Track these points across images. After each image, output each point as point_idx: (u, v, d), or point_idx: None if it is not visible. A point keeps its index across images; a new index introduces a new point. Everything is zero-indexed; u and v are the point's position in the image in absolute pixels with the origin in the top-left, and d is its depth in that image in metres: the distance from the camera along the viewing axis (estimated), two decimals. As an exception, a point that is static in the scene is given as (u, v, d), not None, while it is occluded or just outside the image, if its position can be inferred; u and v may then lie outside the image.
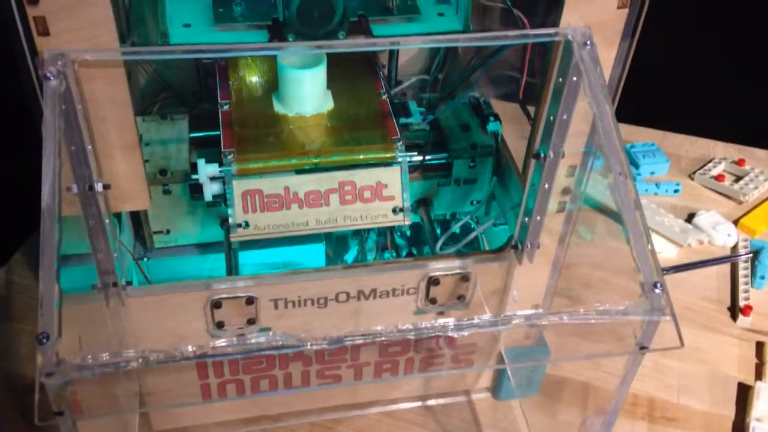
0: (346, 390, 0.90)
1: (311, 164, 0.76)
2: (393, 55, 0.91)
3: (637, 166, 1.27)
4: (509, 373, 0.90)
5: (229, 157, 0.75)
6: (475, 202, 0.88)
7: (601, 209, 1.15)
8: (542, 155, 0.69)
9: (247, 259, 0.82)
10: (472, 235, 0.85)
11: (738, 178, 1.28)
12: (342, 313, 0.77)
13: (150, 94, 0.90)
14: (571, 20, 0.63)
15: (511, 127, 0.86)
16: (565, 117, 0.66)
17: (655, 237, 1.16)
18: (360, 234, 0.88)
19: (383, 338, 0.58)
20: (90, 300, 0.69)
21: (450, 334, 0.59)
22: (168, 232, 0.82)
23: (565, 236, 0.78)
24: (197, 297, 0.72)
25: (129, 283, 0.72)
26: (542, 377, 0.92)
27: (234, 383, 0.83)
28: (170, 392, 0.82)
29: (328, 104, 0.82)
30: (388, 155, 0.77)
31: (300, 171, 0.76)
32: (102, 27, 0.58)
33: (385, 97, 0.83)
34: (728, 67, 1.50)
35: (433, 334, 0.60)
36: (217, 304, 0.73)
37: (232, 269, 0.79)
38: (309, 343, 0.56)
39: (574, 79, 0.63)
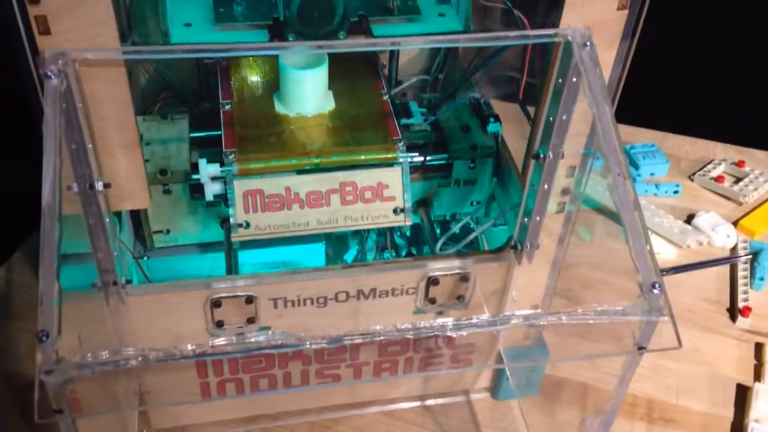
0: (345, 389, 0.90)
1: (312, 164, 0.76)
2: (393, 55, 0.91)
3: (637, 167, 1.27)
4: (508, 373, 0.90)
5: (231, 157, 0.75)
6: (474, 203, 0.89)
7: (601, 210, 1.15)
8: (542, 156, 0.69)
9: (246, 258, 0.83)
10: (472, 235, 0.85)
11: (738, 180, 1.28)
12: (341, 312, 0.77)
13: (151, 93, 0.90)
14: (571, 21, 0.63)
15: (511, 127, 0.86)
16: (564, 118, 0.66)
17: (654, 238, 1.16)
18: (360, 234, 0.88)
19: (382, 338, 0.58)
20: (90, 298, 0.69)
21: (449, 333, 0.59)
22: (168, 231, 0.82)
23: (565, 237, 0.78)
24: (197, 296, 0.72)
25: (129, 281, 0.72)
26: (541, 377, 0.92)
27: (233, 382, 0.83)
28: (170, 391, 0.82)
29: (330, 104, 0.82)
30: (390, 156, 0.77)
31: (301, 171, 0.76)
32: (103, 26, 0.58)
33: (386, 97, 0.84)
34: (728, 69, 1.50)
35: (432, 334, 0.60)
36: (216, 303, 0.73)
37: (231, 268, 0.79)
38: (308, 342, 0.56)
39: (574, 79, 0.63)
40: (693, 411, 0.94)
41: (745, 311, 1.05)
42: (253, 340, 0.57)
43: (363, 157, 0.77)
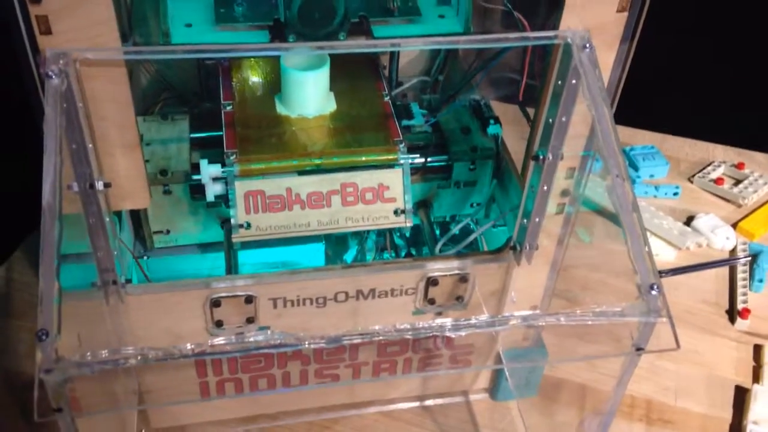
0: (344, 389, 0.90)
1: (313, 165, 0.76)
2: (393, 56, 0.92)
3: (636, 169, 1.28)
4: (507, 374, 0.91)
5: (232, 157, 0.75)
6: (474, 205, 0.89)
7: (601, 211, 1.15)
8: (541, 157, 0.69)
9: (246, 258, 0.83)
10: (471, 237, 0.85)
11: (737, 182, 1.28)
12: (341, 312, 0.77)
13: (151, 94, 0.90)
14: (571, 23, 0.64)
15: (511, 128, 0.86)
16: (564, 119, 0.66)
17: (654, 240, 1.16)
18: (359, 234, 0.88)
19: (381, 338, 0.58)
20: (89, 298, 0.69)
21: (447, 334, 0.59)
22: (168, 232, 0.82)
23: (564, 238, 0.78)
24: (196, 295, 0.73)
25: (129, 281, 0.72)
26: (540, 378, 0.92)
27: (232, 382, 0.83)
28: (169, 390, 0.82)
29: (331, 106, 0.82)
30: (390, 157, 0.77)
31: (302, 172, 0.76)
32: (104, 26, 0.58)
33: (387, 99, 0.84)
34: (728, 71, 1.51)
35: (431, 334, 0.60)
36: (216, 303, 0.73)
37: (231, 268, 0.79)
38: (307, 342, 0.57)
39: (573, 81, 0.63)
40: (691, 412, 0.94)
41: (744, 313, 1.05)
42: (252, 339, 0.57)
43: (364, 159, 0.77)
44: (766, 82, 1.46)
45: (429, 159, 0.83)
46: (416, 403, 0.93)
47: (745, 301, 1.07)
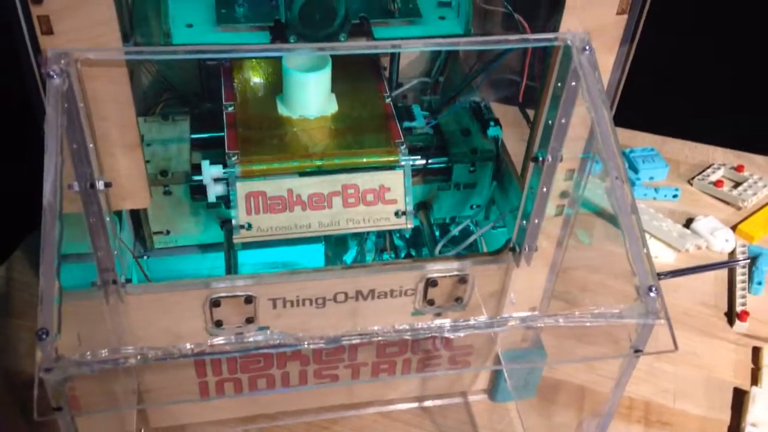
0: (343, 390, 0.90)
1: (314, 167, 0.76)
2: (394, 57, 0.92)
3: (636, 171, 1.28)
4: (506, 375, 0.91)
5: (233, 158, 0.75)
6: (474, 207, 0.89)
7: (600, 213, 1.15)
8: (540, 159, 0.69)
9: (246, 258, 0.83)
10: (471, 238, 0.85)
11: (737, 184, 1.28)
12: (340, 313, 0.78)
13: (153, 95, 0.90)
14: (571, 25, 0.64)
15: (511, 130, 0.86)
16: (563, 121, 0.66)
17: (653, 242, 1.16)
18: (359, 235, 0.88)
19: (380, 338, 0.58)
20: (89, 297, 0.69)
21: (446, 334, 0.59)
22: (168, 232, 0.82)
23: (563, 240, 0.78)
24: (196, 295, 0.73)
25: (128, 280, 0.73)
26: (538, 380, 0.92)
27: (232, 382, 0.83)
28: (168, 390, 0.82)
29: (332, 107, 0.82)
30: (392, 159, 0.78)
31: (303, 173, 0.77)
32: (105, 26, 0.58)
33: (389, 100, 0.84)
34: (728, 73, 1.51)
35: (430, 335, 0.60)
36: (216, 303, 0.73)
37: (231, 268, 0.79)
38: (306, 343, 0.57)
39: (573, 83, 0.64)
40: (690, 414, 0.94)
41: (743, 315, 1.05)
42: (251, 339, 0.57)
43: (365, 160, 0.77)
44: (766, 84, 1.47)
45: (429, 161, 0.84)
46: (415, 404, 0.93)
47: (744, 304, 1.07)
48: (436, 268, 0.76)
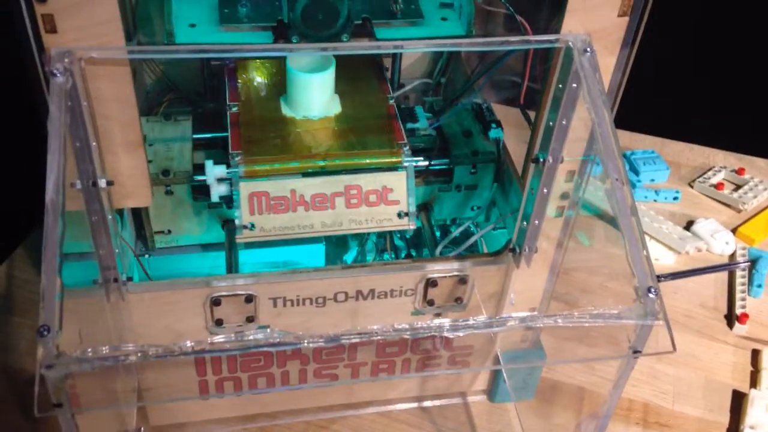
0: (342, 390, 0.90)
1: (318, 167, 0.77)
2: (396, 58, 0.92)
3: (637, 173, 1.28)
4: (505, 376, 0.91)
5: (237, 158, 0.75)
6: (475, 208, 0.89)
7: (601, 215, 1.16)
8: (541, 160, 0.70)
9: (247, 257, 0.83)
10: (471, 239, 0.86)
11: (737, 187, 1.29)
12: (340, 312, 0.78)
13: (156, 95, 0.90)
14: (573, 27, 0.64)
15: (512, 131, 0.86)
16: (564, 123, 0.67)
17: (653, 244, 1.16)
18: (360, 235, 0.88)
19: (380, 337, 0.58)
20: (91, 295, 0.69)
21: (446, 334, 0.59)
22: (169, 232, 0.83)
23: (563, 241, 0.79)
24: (197, 294, 0.73)
25: (130, 279, 0.73)
26: (537, 381, 0.92)
27: (232, 380, 0.84)
28: (168, 388, 0.83)
29: (336, 108, 0.82)
30: (395, 160, 0.78)
31: (306, 174, 0.77)
32: (109, 26, 0.58)
33: (392, 101, 0.84)
34: (729, 76, 1.51)
35: (429, 334, 0.60)
36: (216, 302, 0.73)
37: (232, 268, 0.79)
38: (306, 341, 0.57)
39: (574, 85, 0.64)
40: (689, 416, 0.94)
41: (743, 318, 1.05)
42: (251, 337, 0.58)
43: (368, 161, 0.78)
44: (767, 87, 1.47)
45: (434, 162, 0.84)
46: (414, 404, 0.93)
47: (743, 306, 1.07)
48: (437, 269, 0.77)
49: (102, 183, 0.64)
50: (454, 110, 0.91)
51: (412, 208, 0.78)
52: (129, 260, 0.79)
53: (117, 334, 0.74)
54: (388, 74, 0.92)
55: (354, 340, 0.57)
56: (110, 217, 0.66)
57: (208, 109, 0.89)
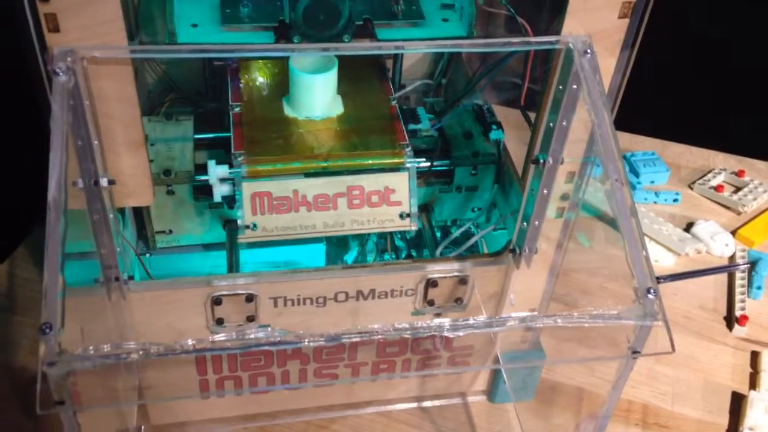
0: (342, 390, 0.91)
1: (320, 168, 0.77)
2: (397, 59, 0.92)
3: (637, 175, 1.28)
4: (505, 376, 0.91)
5: (240, 159, 0.75)
6: (476, 209, 0.89)
7: (600, 216, 1.16)
8: (541, 161, 0.70)
9: (248, 257, 0.83)
10: (471, 240, 0.86)
11: (737, 189, 1.29)
12: (340, 312, 0.78)
13: (158, 95, 0.90)
14: (573, 29, 0.64)
15: (513, 132, 0.86)
16: (564, 124, 0.67)
17: (653, 245, 1.17)
18: (361, 235, 0.89)
19: (380, 336, 0.58)
20: (92, 293, 0.70)
21: (446, 333, 0.59)
22: (170, 232, 0.83)
23: (563, 242, 0.79)
24: (198, 293, 0.73)
25: (131, 277, 0.73)
26: (537, 381, 0.92)
27: (232, 380, 0.84)
28: (169, 387, 0.83)
29: (338, 108, 0.82)
30: (397, 161, 0.78)
31: (309, 174, 0.77)
32: (111, 25, 0.59)
33: (394, 102, 0.84)
34: (730, 78, 1.51)
35: (429, 333, 0.60)
36: (217, 301, 0.73)
37: (233, 267, 0.79)
38: (307, 340, 0.57)
39: (574, 86, 0.64)
40: (688, 418, 0.95)
41: (742, 320, 1.05)
42: (252, 336, 0.58)
43: (370, 162, 0.78)
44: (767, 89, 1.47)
45: (436, 163, 0.84)
46: (414, 404, 0.93)
47: (743, 308, 1.07)
48: (437, 269, 0.77)
49: (104, 182, 0.64)
50: (455, 111, 0.91)
51: (414, 209, 0.78)
52: (130, 259, 0.79)
53: (118, 332, 0.74)
54: (389, 75, 0.92)
55: (354, 339, 0.58)
56: (112, 216, 0.66)
57: (209, 109, 0.89)
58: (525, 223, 0.74)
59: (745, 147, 1.36)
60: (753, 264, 1.14)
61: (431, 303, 0.79)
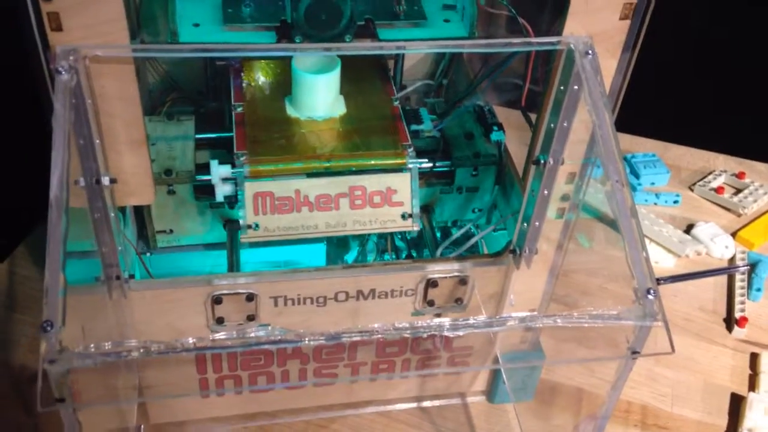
0: (341, 389, 0.91)
1: (322, 168, 0.77)
2: (398, 59, 0.92)
3: (637, 177, 1.28)
4: (504, 377, 0.91)
5: (242, 159, 0.76)
6: (476, 210, 0.89)
7: (601, 217, 1.16)
8: (542, 162, 0.70)
9: (248, 256, 0.83)
10: (472, 240, 0.86)
11: (738, 191, 1.29)
12: (341, 312, 0.78)
13: (159, 94, 0.91)
14: (574, 30, 0.64)
15: (514, 133, 0.86)
16: (565, 125, 0.67)
17: (653, 247, 1.17)
18: (361, 235, 0.89)
19: (380, 336, 0.58)
20: (93, 292, 0.70)
21: (446, 333, 0.60)
22: (171, 231, 0.83)
23: (563, 243, 0.79)
24: (198, 292, 0.73)
25: (132, 276, 0.73)
26: (537, 382, 0.92)
27: (232, 379, 0.84)
28: (169, 386, 0.83)
29: (340, 109, 0.83)
30: (399, 161, 0.78)
31: (311, 174, 0.77)
32: (113, 24, 0.59)
33: (396, 103, 0.84)
34: (731, 80, 1.51)
35: (429, 333, 0.60)
36: (217, 300, 0.74)
37: (233, 266, 0.79)
38: (307, 339, 0.57)
39: (575, 87, 0.64)
40: (687, 419, 0.95)
41: (742, 321, 1.05)
42: (253, 335, 0.58)
43: (372, 162, 0.78)
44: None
45: (438, 163, 0.84)
46: (414, 404, 0.93)
47: (742, 310, 1.07)
48: (437, 269, 0.77)
49: (105, 181, 0.64)
50: (456, 112, 0.91)
51: (416, 210, 0.79)
52: (131, 258, 0.80)
53: (119, 331, 0.74)
54: (391, 75, 0.92)
55: (355, 339, 0.58)
56: (113, 214, 0.67)
57: (210, 108, 0.90)
58: (525, 224, 0.74)
59: (745, 149, 1.36)
60: (753, 266, 1.14)
61: (431, 303, 0.79)
